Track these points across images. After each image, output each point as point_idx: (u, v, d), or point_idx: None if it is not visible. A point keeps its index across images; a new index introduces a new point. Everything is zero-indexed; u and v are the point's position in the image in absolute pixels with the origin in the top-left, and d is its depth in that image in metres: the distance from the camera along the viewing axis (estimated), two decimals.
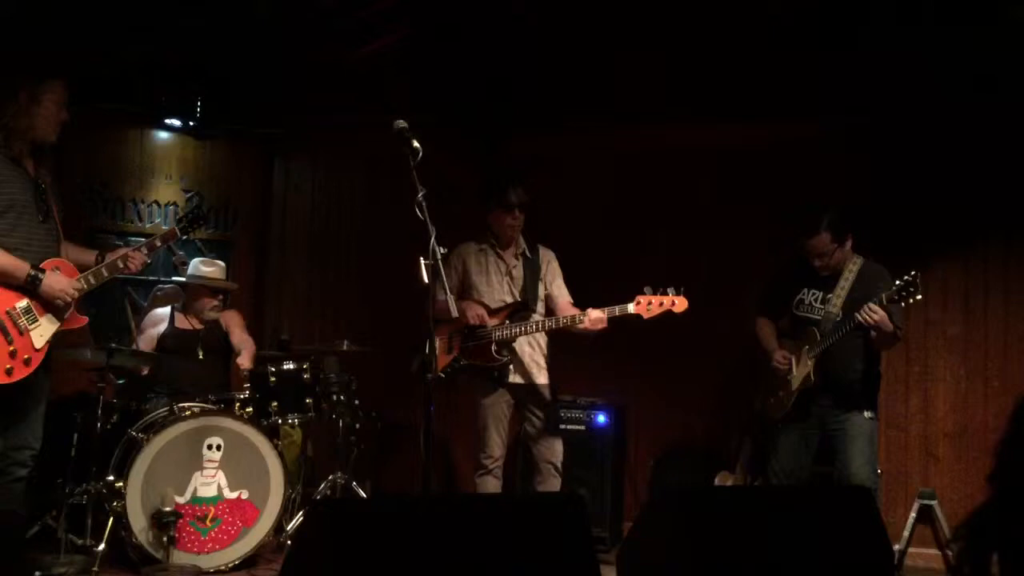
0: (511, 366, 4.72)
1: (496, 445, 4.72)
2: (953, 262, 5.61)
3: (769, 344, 4.77)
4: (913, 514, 5.41)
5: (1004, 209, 5.45)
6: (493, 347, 4.65)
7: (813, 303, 4.60)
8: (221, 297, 5.43)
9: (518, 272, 4.85)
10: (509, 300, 4.80)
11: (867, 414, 4.46)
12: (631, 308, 4.43)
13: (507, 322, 4.69)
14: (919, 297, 4.12)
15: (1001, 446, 1.25)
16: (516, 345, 4.73)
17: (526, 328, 4.66)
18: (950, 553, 5.37)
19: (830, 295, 4.53)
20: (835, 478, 4.56)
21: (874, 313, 4.19)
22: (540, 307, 4.83)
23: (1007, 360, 5.46)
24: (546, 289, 4.87)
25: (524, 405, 4.78)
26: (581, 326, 4.51)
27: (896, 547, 5.28)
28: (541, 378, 4.80)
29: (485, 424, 4.73)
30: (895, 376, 5.64)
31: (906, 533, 5.37)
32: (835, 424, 4.48)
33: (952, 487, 5.47)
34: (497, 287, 4.82)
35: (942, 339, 5.62)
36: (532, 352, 4.79)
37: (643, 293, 4.43)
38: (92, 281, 3.96)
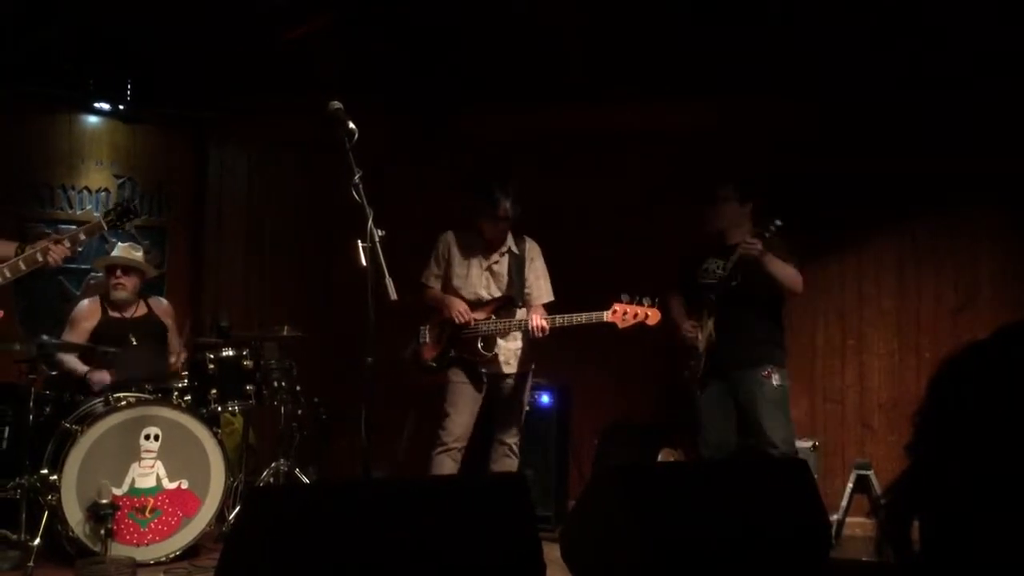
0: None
1: (458, 425, 4.66)
2: (887, 238, 5.72)
3: (679, 319, 4.85)
4: (850, 484, 5.53)
5: (936, 186, 5.56)
6: (479, 342, 4.62)
7: (715, 271, 4.72)
8: (124, 276, 5.19)
9: (500, 268, 4.76)
10: (484, 295, 4.73)
11: (775, 381, 4.56)
12: (606, 316, 4.38)
13: (493, 317, 4.66)
14: (779, 223, 4.39)
15: (917, 415, 1.28)
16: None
17: (511, 325, 4.63)
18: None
19: (727, 262, 4.66)
20: (757, 449, 4.63)
21: (755, 243, 4.37)
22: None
23: (938, 333, 5.60)
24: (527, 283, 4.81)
25: (494, 388, 4.76)
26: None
27: (834, 517, 5.39)
28: (518, 367, 4.76)
29: (452, 401, 4.68)
30: (831, 349, 5.74)
31: (843, 503, 5.49)
32: (745, 395, 4.58)
33: (887, 457, 5.60)
34: (475, 280, 4.74)
35: (876, 313, 5.74)
36: (506, 342, 4.75)
37: (620, 300, 4.38)
38: (8, 275, 3.85)
